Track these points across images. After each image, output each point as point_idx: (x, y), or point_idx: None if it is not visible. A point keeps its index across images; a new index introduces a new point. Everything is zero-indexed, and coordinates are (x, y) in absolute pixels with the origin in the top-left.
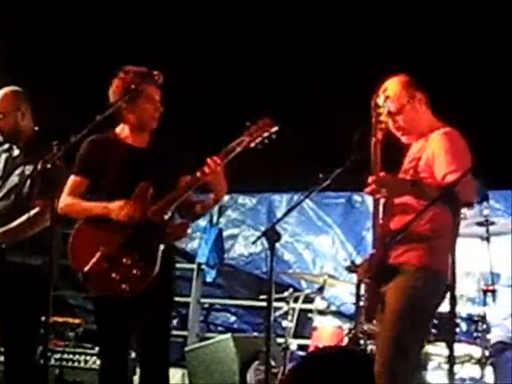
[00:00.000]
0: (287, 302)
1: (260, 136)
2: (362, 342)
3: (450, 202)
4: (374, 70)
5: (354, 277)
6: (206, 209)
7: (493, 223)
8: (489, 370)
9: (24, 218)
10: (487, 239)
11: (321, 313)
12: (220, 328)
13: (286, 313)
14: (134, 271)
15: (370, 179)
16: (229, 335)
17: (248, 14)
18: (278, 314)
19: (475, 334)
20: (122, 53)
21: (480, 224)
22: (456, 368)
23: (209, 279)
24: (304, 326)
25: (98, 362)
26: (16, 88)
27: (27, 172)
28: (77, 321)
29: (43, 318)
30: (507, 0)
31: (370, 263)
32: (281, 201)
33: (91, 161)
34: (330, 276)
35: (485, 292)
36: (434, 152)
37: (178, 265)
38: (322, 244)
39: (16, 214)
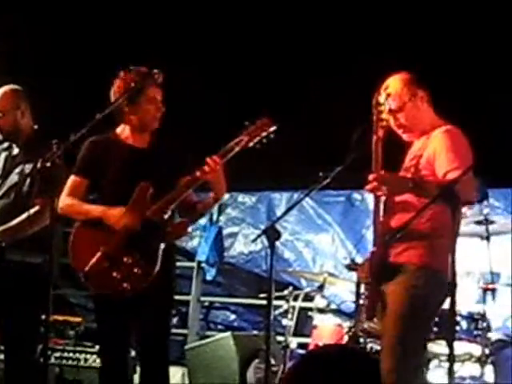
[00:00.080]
0: (287, 301)
1: (258, 136)
2: (361, 340)
3: (451, 201)
4: (374, 69)
5: (353, 275)
6: (206, 208)
7: (492, 222)
8: (489, 368)
9: (24, 216)
10: (487, 238)
11: (321, 311)
12: (220, 326)
13: (286, 311)
14: (135, 270)
15: (371, 177)
16: (229, 333)
17: (247, 13)
18: (277, 312)
19: (475, 333)
20: (122, 52)
21: (480, 223)
22: (456, 366)
23: (209, 277)
24: (304, 325)
25: (98, 360)
26: (15, 86)
27: (27, 171)
28: (77, 319)
29: (43, 317)
30: None
31: (370, 262)
32: (280, 199)
33: (91, 161)
34: (330, 274)
35: (485, 291)
36: (436, 150)
37: (177, 263)
38: (322, 242)
39: (16, 212)
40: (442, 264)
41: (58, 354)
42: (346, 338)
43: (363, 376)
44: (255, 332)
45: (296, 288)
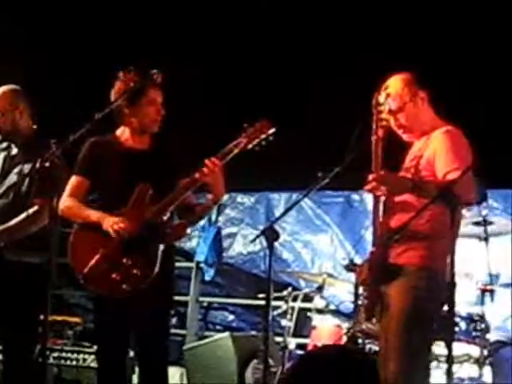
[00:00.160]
0: (286, 301)
1: (257, 138)
2: (360, 340)
3: (450, 201)
4: (374, 69)
5: (352, 276)
6: (205, 211)
7: (491, 223)
8: (487, 369)
9: (22, 216)
10: (485, 239)
11: (320, 312)
12: (218, 327)
13: (285, 312)
14: (134, 271)
15: (371, 177)
16: (227, 334)
17: (248, 13)
18: (276, 312)
19: (474, 334)
20: (122, 53)
21: (478, 224)
22: (455, 367)
23: (207, 278)
24: (303, 325)
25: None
26: (14, 86)
27: (26, 170)
28: (75, 319)
29: (42, 317)
30: None
31: (369, 262)
32: (279, 200)
33: (92, 161)
34: (329, 275)
35: (483, 292)
36: (436, 150)
37: (176, 263)
38: (321, 243)
39: (14, 212)
40: (442, 265)
41: (56, 354)
42: (344, 339)
43: (362, 377)
44: (254, 332)
45: (295, 289)
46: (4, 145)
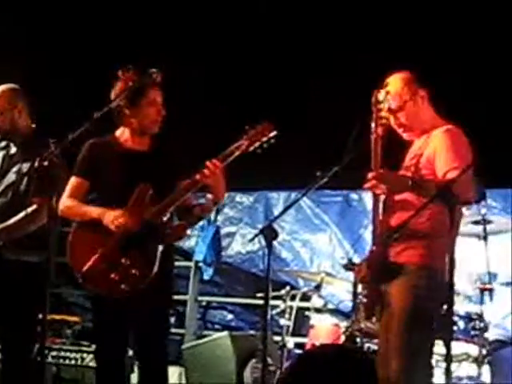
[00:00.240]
0: (284, 300)
1: (259, 140)
2: (358, 340)
3: (449, 200)
4: (374, 69)
5: (351, 275)
6: (205, 212)
7: (490, 222)
8: (486, 368)
9: (21, 215)
10: (484, 238)
11: (318, 311)
12: (217, 326)
13: (283, 311)
14: (133, 271)
15: (370, 175)
16: (226, 333)
17: (247, 13)
18: (275, 312)
19: (472, 333)
20: (122, 52)
21: (477, 223)
22: (453, 366)
23: (206, 277)
24: (301, 324)
25: None
26: (13, 85)
27: (24, 170)
28: (74, 318)
29: (40, 316)
30: None
31: (369, 261)
32: (278, 199)
33: (91, 163)
34: (328, 274)
35: (482, 291)
36: (436, 149)
37: (175, 263)
38: (320, 242)
39: (13, 211)
40: (442, 264)
41: (55, 353)
42: (342, 338)
43: (360, 376)
44: (252, 332)
45: (293, 288)
46: (3, 144)
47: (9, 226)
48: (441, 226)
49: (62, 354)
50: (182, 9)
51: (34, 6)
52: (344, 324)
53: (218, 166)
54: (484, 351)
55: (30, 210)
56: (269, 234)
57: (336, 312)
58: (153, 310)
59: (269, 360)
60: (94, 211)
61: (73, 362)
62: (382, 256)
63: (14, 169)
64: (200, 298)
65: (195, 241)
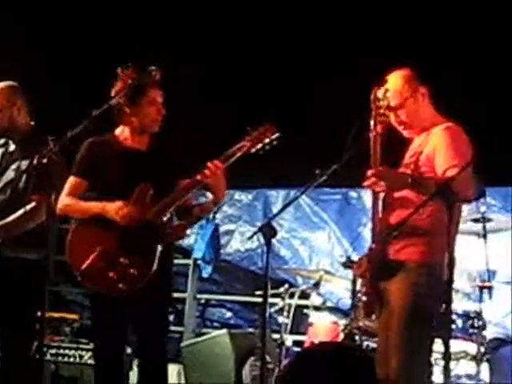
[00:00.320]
0: (283, 298)
1: (261, 142)
2: (357, 337)
3: (448, 198)
4: (374, 70)
5: (350, 273)
6: (205, 212)
7: (489, 220)
8: (484, 366)
9: (20, 212)
10: (484, 236)
11: (317, 309)
12: (216, 324)
13: (282, 309)
14: (131, 271)
15: (369, 172)
16: (225, 331)
17: (247, 13)
18: (273, 309)
19: (471, 331)
20: (121, 52)
21: (476, 221)
22: (452, 364)
23: (205, 275)
24: (300, 322)
25: None
26: (12, 83)
27: (23, 167)
28: (73, 316)
29: (39, 313)
30: None
31: (368, 258)
32: (277, 197)
33: (90, 162)
34: (326, 272)
35: (481, 289)
36: (436, 147)
37: (174, 261)
38: (318, 240)
39: (12, 208)
40: (441, 261)
41: (53, 351)
42: (341, 336)
43: (359, 374)
44: (251, 330)
45: (292, 285)
46: (1, 141)
47: (8, 223)
48: (440, 223)
49: (61, 351)
50: (181, 8)
51: (33, 5)
52: (343, 322)
53: (219, 167)
54: (482, 349)
55: (28, 207)
56: (267, 231)
57: (335, 310)
58: (152, 308)
59: (267, 358)
60: (94, 206)
61: (71, 359)
62: (382, 253)
63: (13, 166)
64: (199, 296)
65: (194, 238)
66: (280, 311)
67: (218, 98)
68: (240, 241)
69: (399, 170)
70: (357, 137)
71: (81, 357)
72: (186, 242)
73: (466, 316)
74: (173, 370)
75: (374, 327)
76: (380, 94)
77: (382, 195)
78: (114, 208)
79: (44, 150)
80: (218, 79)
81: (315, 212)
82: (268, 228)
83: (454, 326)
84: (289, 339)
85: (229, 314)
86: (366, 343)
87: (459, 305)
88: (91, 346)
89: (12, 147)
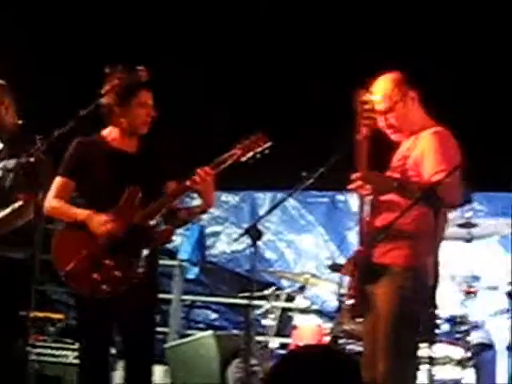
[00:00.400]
0: (268, 301)
1: (252, 150)
2: (342, 341)
3: (434, 203)
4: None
5: (335, 276)
6: (191, 217)
7: (475, 225)
8: (469, 371)
9: (7, 211)
10: (470, 241)
11: (302, 311)
12: (201, 325)
13: (267, 311)
14: (116, 273)
15: (355, 175)
16: (210, 332)
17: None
18: (260, 312)
19: (456, 335)
20: (112, 50)
21: (462, 226)
22: (436, 369)
23: (191, 276)
24: (286, 325)
25: None
26: (0, 81)
27: (10, 166)
28: (58, 316)
29: (24, 313)
30: None
31: (354, 261)
32: (264, 199)
33: (78, 162)
34: (312, 275)
35: (466, 293)
36: (423, 151)
37: (159, 262)
38: (305, 243)
39: None
40: (426, 265)
41: (38, 351)
42: (326, 339)
43: (344, 377)
44: (236, 331)
45: (277, 288)
46: None
47: None
48: (426, 227)
49: (45, 351)
50: (181, 8)
51: (21, 3)
52: (328, 325)
53: (209, 174)
54: (467, 354)
55: (16, 205)
56: (253, 234)
57: (320, 313)
58: (138, 309)
59: (252, 360)
60: (80, 214)
61: (56, 359)
62: (368, 257)
63: (0, 165)
64: (184, 297)
65: (179, 240)
66: (265, 314)
67: (211, 102)
68: (226, 242)
69: (386, 173)
70: (344, 140)
71: (65, 356)
72: (171, 243)
73: (451, 320)
74: (157, 370)
75: (360, 331)
76: (366, 96)
77: (369, 198)
78: (97, 221)
79: (31, 149)
80: (211, 83)
81: (302, 215)
82: (254, 230)
83: (438, 331)
84: (274, 342)
85: (214, 316)
86: (350, 347)
87: (444, 309)
88: (76, 345)
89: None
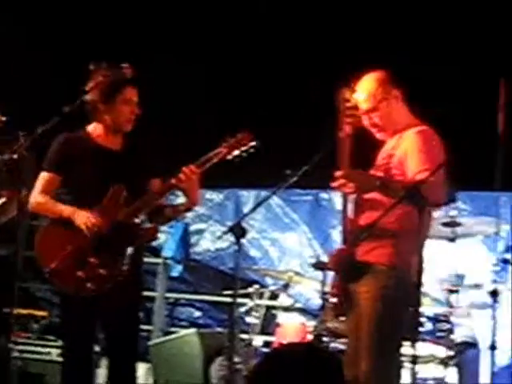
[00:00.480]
0: (251, 298)
1: (237, 149)
2: (325, 339)
3: (418, 202)
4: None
5: (319, 274)
6: (176, 214)
7: (459, 224)
8: (452, 370)
9: None
10: (453, 240)
11: (286, 309)
12: (185, 323)
13: (251, 309)
14: (101, 271)
15: (337, 173)
16: (193, 330)
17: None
18: (243, 309)
19: (439, 334)
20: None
21: (446, 225)
22: (419, 368)
23: (176, 274)
24: (270, 323)
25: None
26: None
27: None
28: (41, 313)
29: (7, 310)
30: None
31: (337, 259)
32: (248, 197)
33: (64, 158)
34: (296, 273)
35: (449, 292)
36: (407, 150)
37: (143, 259)
38: (289, 241)
39: None
40: (410, 264)
41: (21, 348)
42: (309, 337)
43: (327, 375)
44: (220, 329)
45: (261, 286)
46: None
47: None
48: (410, 226)
49: (28, 348)
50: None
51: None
52: (311, 323)
53: (195, 172)
54: (450, 353)
55: (0, 201)
56: (237, 231)
57: (304, 311)
58: (122, 307)
59: (235, 358)
60: (65, 210)
61: (39, 356)
62: (351, 255)
63: None
64: (168, 295)
65: (164, 237)
66: (249, 311)
67: (196, 100)
68: (210, 240)
69: (370, 171)
70: (327, 137)
71: (48, 354)
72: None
73: (434, 319)
74: (141, 368)
75: (343, 329)
76: (349, 94)
77: (353, 197)
78: (82, 217)
79: (15, 145)
80: (197, 81)
81: (286, 213)
82: (238, 228)
83: (422, 329)
84: (258, 339)
85: (198, 314)
86: (333, 345)
87: (428, 308)
88: (59, 343)
89: None
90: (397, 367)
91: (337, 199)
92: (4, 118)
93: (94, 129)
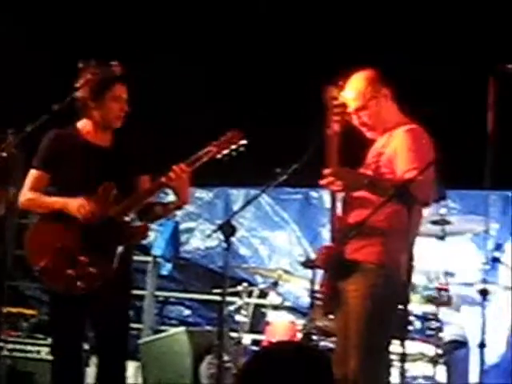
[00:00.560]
0: (241, 297)
1: (227, 148)
2: (315, 337)
3: (406, 200)
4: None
5: (308, 272)
6: (166, 213)
7: (449, 222)
8: (441, 368)
9: None
10: (443, 238)
11: (275, 308)
12: (174, 321)
13: (240, 307)
14: (91, 269)
15: (326, 171)
16: (183, 329)
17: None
18: (232, 308)
19: (428, 332)
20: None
21: (436, 223)
22: (408, 366)
23: (165, 272)
24: (259, 321)
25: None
26: None
27: None
28: (31, 311)
29: None
30: None
31: (325, 256)
32: (238, 195)
33: (53, 154)
34: (285, 271)
35: (439, 290)
36: (397, 149)
37: (133, 257)
38: (278, 239)
39: None
40: (399, 262)
41: (10, 346)
42: (299, 335)
43: (316, 373)
44: (209, 328)
45: (251, 284)
46: None
47: None
48: (399, 224)
49: (18, 346)
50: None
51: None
52: (301, 321)
53: (185, 171)
54: (439, 351)
55: None
56: (227, 230)
57: (293, 309)
58: (112, 306)
59: (225, 356)
60: (56, 202)
61: (28, 355)
62: (340, 253)
63: None
64: (157, 293)
65: (153, 235)
66: (238, 310)
67: (186, 99)
68: (200, 239)
69: (359, 170)
70: (316, 135)
71: (38, 352)
72: None
73: (423, 317)
74: (130, 366)
75: (332, 327)
76: (336, 92)
77: (341, 195)
78: (75, 205)
79: (3, 143)
80: (187, 80)
81: (276, 211)
82: (227, 226)
83: (411, 328)
84: (247, 338)
85: (187, 312)
86: (323, 343)
87: (416, 306)
88: (49, 341)
89: None
90: (386, 365)
91: (327, 197)
92: None
93: (83, 125)
